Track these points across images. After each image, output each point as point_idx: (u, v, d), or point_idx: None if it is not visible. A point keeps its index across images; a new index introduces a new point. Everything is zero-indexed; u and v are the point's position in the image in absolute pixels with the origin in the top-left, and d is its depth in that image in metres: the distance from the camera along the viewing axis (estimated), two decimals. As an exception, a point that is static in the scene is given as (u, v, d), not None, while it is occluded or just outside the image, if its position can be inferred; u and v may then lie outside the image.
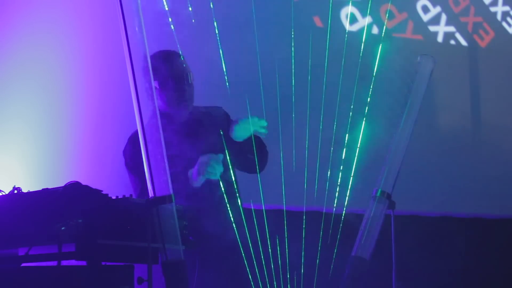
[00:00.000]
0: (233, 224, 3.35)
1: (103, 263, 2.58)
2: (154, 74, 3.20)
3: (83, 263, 2.53)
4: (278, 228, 3.88)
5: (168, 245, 2.60)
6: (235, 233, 3.35)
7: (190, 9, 3.78)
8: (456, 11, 5.63)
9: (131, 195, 2.62)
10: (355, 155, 4.21)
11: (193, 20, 3.75)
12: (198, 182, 3.28)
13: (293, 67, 4.33)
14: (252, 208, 3.59)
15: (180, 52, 3.47)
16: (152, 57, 3.33)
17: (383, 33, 5.25)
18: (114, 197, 2.58)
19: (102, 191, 2.55)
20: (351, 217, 3.96)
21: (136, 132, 3.35)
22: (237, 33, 4.50)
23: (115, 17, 2.73)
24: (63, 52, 4.39)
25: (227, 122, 3.49)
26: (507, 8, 5.78)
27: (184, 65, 3.43)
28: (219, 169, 3.24)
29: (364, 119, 4.15)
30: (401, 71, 4.66)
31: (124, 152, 3.48)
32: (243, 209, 3.47)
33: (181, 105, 3.41)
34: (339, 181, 4.23)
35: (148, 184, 2.64)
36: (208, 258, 3.23)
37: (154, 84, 3.26)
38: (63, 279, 2.50)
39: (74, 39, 4.42)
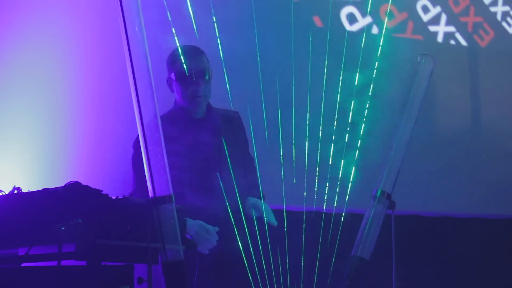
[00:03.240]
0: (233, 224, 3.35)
1: (103, 263, 2.58)
2: (173, 66, 3.37)
3: (83, 263, 2.53)
4: (278, 228, 3.88)
5: (168, 245, 2.60)
6: (235, 233, 3.35)
7: (190, 9, 3.78)
8: (456, 11, 5.63)
9: (131, 195, 2.62)
10: (355, 155, 4.21)
11: (192, 19, 3.75)
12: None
13: (293, 67, 4.33)
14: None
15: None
16: (176, 49, 3.38)
17: (383, 33, 5.25)
18: (114, 197, 2.58)
19: (102, 191, 2.55)
20: (351, 217, 3.96)
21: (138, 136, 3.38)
22: (237, 33, 4.50)
23: (115, 18, 2.73)
24: (62, 52, 4.39)
25: (240, 129, 3.53)
26: (507, 8, 5.78)
27: (205, 62, 3.43)
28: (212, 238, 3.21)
29: (364, 118, 4.16)
30: (401, 71, 4.66)
31: (132, 156, 3.48)
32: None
33: (194, 100, 3.41)
34: (339, 181, 4.23)
35: (148, 184, 2.64)
36: (208, 258, 3.23)
37: (171, 75, 3.39)
38: (63, 279, 2.50)
39: (72, 39, 4.42)
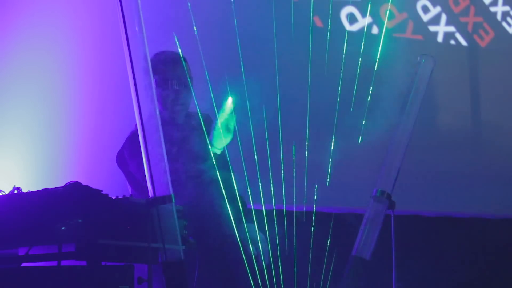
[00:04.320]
0: (233, 224, 3.35)
1: (103, 263, 2.58)
2: (155, 72, 3.23)
3: (83, 263, 2.53)
4: (278, 228, 3.89)
5: (168, 245, 2.60)
6: (234, 233, 3.35)
7: (189, 6, 3.78)
8: (456, 11, 5.63)
9: (131, 195, 2.62)
10: (355, 155, 4.21)
11: (193, 21, 3.75)
12: (219, 143, 3.24)
13: (293, 67, 4.34)
14: (252, 208, 3.59)
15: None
16: (156, 55, 3.34)
17: (383, 33, 5.25)
18: (114, 197, 2.58)
19: (102, 191, 2.55)
20: (351, 217, 3.96)
21: (132, 133, 3.38)
22: (236, 34, 4.50)
23: (115, 18, 2.73)
24: (62, 52, 4.39)
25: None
26: (507, 8, 5.78)
27: (187, 70, 3.40)
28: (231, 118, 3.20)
29: (364, 119, 4.16)
30: (401, 71, 4.66)
31: (121, 151, 3.46)
32: (243, 209, 3.47)
33: (175, 108, 3.38)
34: (339, 181, 4.23)
35: (148, 184, 2.64)
36: (207, 257, 3.23)
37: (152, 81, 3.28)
38: (63, 279, 2.50)
39: (72, 39, 4.42)
